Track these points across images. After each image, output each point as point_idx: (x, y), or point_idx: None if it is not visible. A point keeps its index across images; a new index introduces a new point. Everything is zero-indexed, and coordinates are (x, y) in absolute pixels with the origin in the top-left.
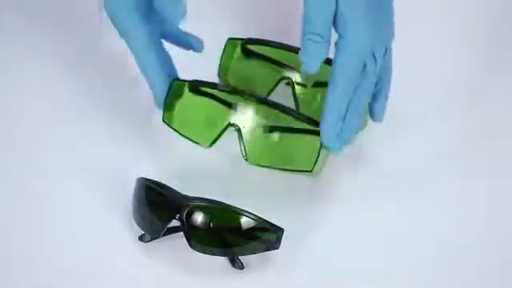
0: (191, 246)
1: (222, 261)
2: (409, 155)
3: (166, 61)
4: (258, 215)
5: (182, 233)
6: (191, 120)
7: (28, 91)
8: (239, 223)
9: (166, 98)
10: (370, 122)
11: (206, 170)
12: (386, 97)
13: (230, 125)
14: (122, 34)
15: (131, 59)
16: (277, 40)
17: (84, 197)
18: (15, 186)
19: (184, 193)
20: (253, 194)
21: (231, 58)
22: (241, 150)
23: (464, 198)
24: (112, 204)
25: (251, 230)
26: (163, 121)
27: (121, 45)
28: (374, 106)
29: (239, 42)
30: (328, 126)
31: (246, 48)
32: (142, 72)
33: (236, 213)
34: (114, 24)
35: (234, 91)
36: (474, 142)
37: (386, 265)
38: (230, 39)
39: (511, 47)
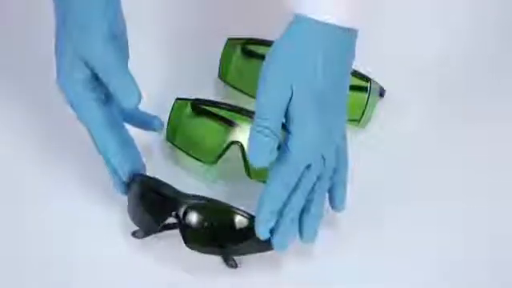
0: (187, 244)
1: (216, 259)
2: (407, 153)
3: (128, 144)
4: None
5: (177, 231)
6: (194, 138)
7: None
8: (237, 223)
9: (168, 117)
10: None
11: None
12: (345, 187)
13: (232, 143)
14: (79, 117)
15: None
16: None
17: (81, 194)
18: (15, 184)
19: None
20: (252, 194)
21: (231, 58)
22: (244, 167)
23: (464, 198)
24: (110, 203)
25: (249, 229)
26: (167, 139)
27: None
28: (334, 196)
29: (239, 42)
30: (260, 221)
31: (245, 48)
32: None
33: (235, 213)
34: (69, 104)
35: (235, 108)
36: (474, 142)
37: (386, 264)
38: (230, 39)
39: (510, 46)
